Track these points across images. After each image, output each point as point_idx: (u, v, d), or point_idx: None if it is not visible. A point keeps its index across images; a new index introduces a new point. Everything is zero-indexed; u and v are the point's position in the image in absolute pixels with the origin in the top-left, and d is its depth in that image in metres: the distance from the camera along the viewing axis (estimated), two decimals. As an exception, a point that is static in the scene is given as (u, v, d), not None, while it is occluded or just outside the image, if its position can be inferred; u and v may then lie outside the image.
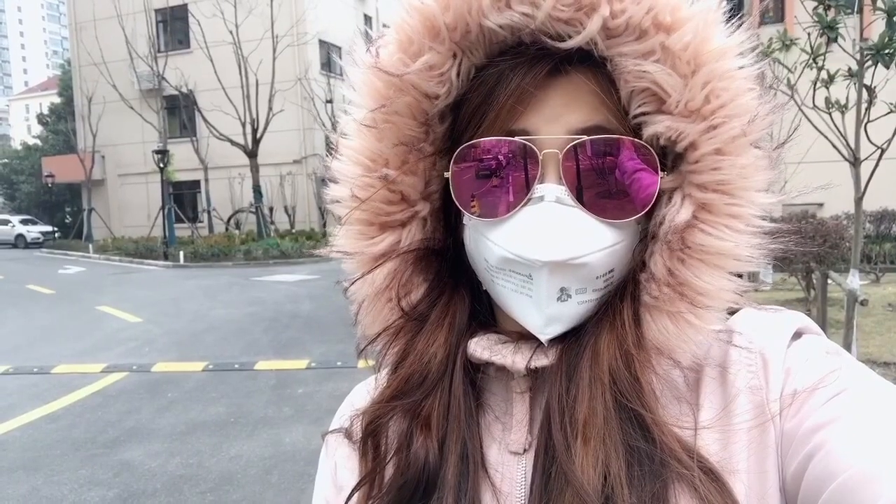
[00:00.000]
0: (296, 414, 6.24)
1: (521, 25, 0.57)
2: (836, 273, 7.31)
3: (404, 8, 0.60)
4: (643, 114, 0.58)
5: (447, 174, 0.64)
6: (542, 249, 0.57)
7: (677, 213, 0.58)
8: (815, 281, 8.76)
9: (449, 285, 0.68)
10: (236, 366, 8.09)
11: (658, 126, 0.57)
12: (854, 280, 5.00)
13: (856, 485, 0.47)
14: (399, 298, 0.66)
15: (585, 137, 0.58)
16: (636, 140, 0.59)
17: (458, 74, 0.61)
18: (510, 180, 0.60)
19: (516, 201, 0.60)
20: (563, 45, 0.57)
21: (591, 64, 0.58)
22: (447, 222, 0.69)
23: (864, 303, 5.21)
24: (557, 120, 0.59)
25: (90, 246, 27.81)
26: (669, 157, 0.60)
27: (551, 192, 0.59)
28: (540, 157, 0.59)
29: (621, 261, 0.61)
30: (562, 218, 0.58)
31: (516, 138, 0.59)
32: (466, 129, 0.63)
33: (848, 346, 4.94)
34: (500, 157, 0.60)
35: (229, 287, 15.84)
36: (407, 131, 0.63)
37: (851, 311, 5.09)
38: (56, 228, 35.98)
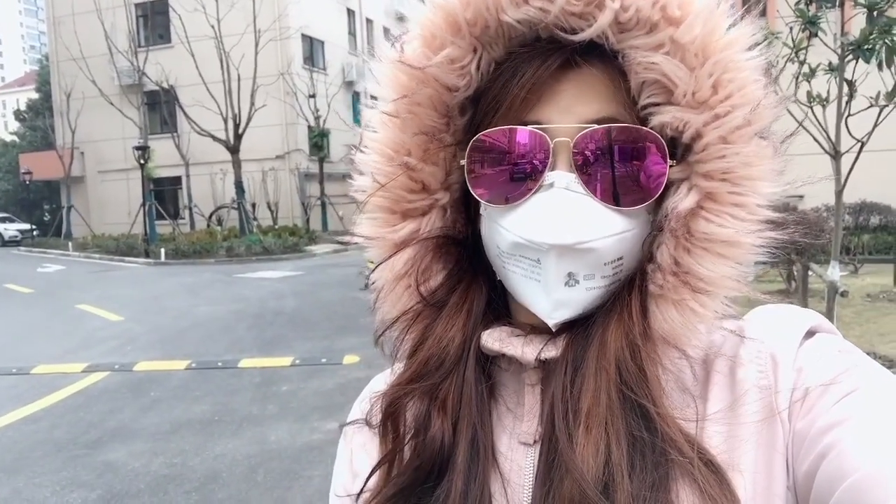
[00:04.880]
0: (280, 411, 6.21)
1: (537, 20, 0.59)
2: (817, 265, 7.40)
3: (428, 5, 0.63)
4: (652, 104, 0.59)
5: (463, 162, 0.66)
6: (550, 233, 0.59)
7: (682, 200, 0.59)
8: (795, 273, 8.87)
9: (468, 274, 0.70)
10: (220, 364, 8.03)
11: (665, 116, 0.59)
12: (835, 271, 5.05)
13: (867, 485, 0.47)
14: (418, 284, 0.68)
15: (596, 126, 0.60)
16: (646, 129, 0.60)
17: (477, 68, 0.63)
18: (522, 168, 0.62)
19: (527, 188, 0.61)
20: (575, 38, 0.59)
21: (602, 56, 0.60)
22: (467, 213, 0.71)
23: (844, 294, 5.28)
24: (570, 110, 0.61)
25: (69, 244, 27.44)
26: (679, 149, 0.61)
27: (561, 179, 0.60)
28: (551, 146, 0.60)
29: (631, 250, 0.62)
30: (570, 203, 0.60)
31: (528, 127, 0.61)
32: (483, 120, 0.65)
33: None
34: (513, 146, 0.62)
35: (212, 284, 15.73)
36: (428, 122, 0.65)
37: (832, 303, 5.15)
38: (34, 226, 35.42)
